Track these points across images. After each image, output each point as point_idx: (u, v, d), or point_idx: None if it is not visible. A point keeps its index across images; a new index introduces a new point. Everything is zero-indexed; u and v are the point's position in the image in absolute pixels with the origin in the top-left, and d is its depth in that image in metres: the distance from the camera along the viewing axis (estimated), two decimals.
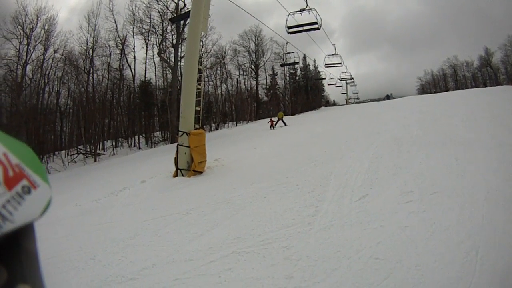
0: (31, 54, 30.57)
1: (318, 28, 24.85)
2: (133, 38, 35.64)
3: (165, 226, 5.94)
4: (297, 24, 25.17)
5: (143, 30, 35.22)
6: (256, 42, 43.98)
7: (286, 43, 36.05)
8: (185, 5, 32.35)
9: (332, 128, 17.56)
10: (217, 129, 38.34)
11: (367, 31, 79.08)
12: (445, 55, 58.32)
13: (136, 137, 34.51)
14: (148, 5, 34.72)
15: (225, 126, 39.82)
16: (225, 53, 42.10)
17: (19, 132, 27.24)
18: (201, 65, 12.07)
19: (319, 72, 47.81)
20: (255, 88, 44.37)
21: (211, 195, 7.55)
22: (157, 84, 36.92)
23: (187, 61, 11.75)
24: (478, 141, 8.70)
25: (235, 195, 7.20)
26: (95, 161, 29.30)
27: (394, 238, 4.21)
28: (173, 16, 31.79)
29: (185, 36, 24.70)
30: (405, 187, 6.02)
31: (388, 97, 51.97)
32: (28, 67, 30.49)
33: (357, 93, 54.79)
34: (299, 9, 24.81)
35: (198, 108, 11.51)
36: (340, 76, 47.62)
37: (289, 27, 25.38)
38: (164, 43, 34.93)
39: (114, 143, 32.99)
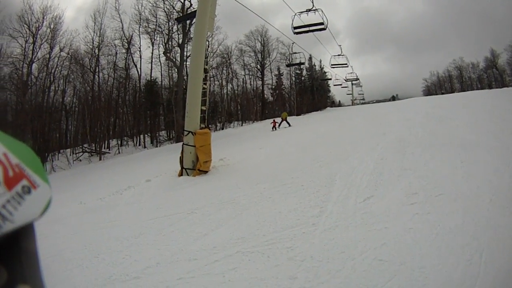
0: (37, 53, 30.73)
1: (324, 29, 24.78)
2: (139, 37, 35.79)
3: (170, 225, 5.95)
4: (303, 24, 25.12)
5: (149, 30, 35.35)
6: (262, 42, 44.02)
7: (292, 43, 35.97)
8: (191, 4, 32.43)
9: (338, 129, 17.53)
10: (222, 128, 38.37)
11: (372, 32, 78.97)
12: (451, 57, 58.12)
13: (142, 136, 34.57)
14: (154, 5, 34.84)
15: (231, 126, 39.83)
16: (231, 53, 42.20)
17: (24, 130, 27.37)
18: (207, 65, 12.07)
19: (325, 72, 47.72)
20: (260, 88, 44.40)
21: (216, 194, 7.56)
22: (162, 83, 37.06)
23: (193, 60, 11.77)
24: (483, 143, 8.64)
25: (240, 195, 7.20)
26: (100, 159, 29.38)
27: (398, 240, 4.20)
28: (179, 16, 31.81)
29: (191, 35, 24.70)
30: (410, 189, 6.00)
31: (393, 98, 51.85)
32: (34, 65, 30.67)
33: (362, 94, 54.70)
34: (305, 10, 24.75)
35: (203, 108, 11.52)
36: (346, 77, 47.43)
37: (295, 27, 25.32)
38: (170, 43, 35.03)
39: (119, 142, 33.07)
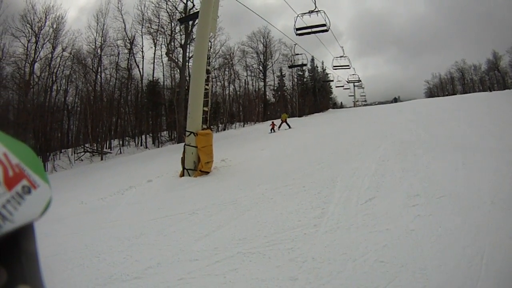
0: (39, 52, 30.76)
1: (326, 30, 24.71)
2: (142, 37, 35.80)
3: (171, 226, 5.96)
4: (305, 25, 25.08)
5: (152, 30, 35.33)
6: (265, 43, 43.98)
7: (295, 44, 35.88)
8: (193, 5, 32.44)
9: (340, 130, 17.51)
10: (224, 129, 38.35)
11: (374, 33, 78.82)
12: (453, 59, 57.79)
13: (143, 137, 34.57)
14: (157, 5, 34.84)
15: (233, 126, 39.83)
16: (233, 54, 42.15)
17: (26, 129, 27.43)
18: (209, 66, 12.09)
19: (327, 74, 47.62)
20: (262, 89, 44.36)
21: (217, 195, 7.57)
22: (165, 84, 37.03)
23: (195, 61, 11.79)
24: (485, 145, 8.65)
25: (241, 196, 7.21)
26: (101, 159, 29.38)
27: (400, 242, 4.20)
28: (181, 17, 31.79)
29: (194, 36, 24.79)
30: (411, 190, 6.00)
31: (395, 100, 51.85)
32: (36, 65, 30.67)
33: (364, 96, 54.61)
34: (307, 11, 24.71)
35: (205, 109, 11.55)
36: (348, 79, 47.35)
37: (297, 29, 25.26)
38: (172, 43, 35.00)
39: (121, 142, 33.07)
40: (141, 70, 35.80)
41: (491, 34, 54.95)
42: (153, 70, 36.25)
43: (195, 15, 20.02)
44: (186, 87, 28.07)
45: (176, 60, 34.57)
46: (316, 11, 24.23)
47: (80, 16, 65.36)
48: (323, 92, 48.20)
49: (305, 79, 47.01)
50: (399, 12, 72.45)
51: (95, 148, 31.14)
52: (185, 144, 11.18)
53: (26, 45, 30.07)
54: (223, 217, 6.01)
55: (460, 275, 3.39)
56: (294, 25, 25.18)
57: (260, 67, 43.98)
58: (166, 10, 34.79)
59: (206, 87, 11.68)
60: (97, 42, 33.83)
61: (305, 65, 39.79)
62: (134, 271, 4.32)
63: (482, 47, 53.95)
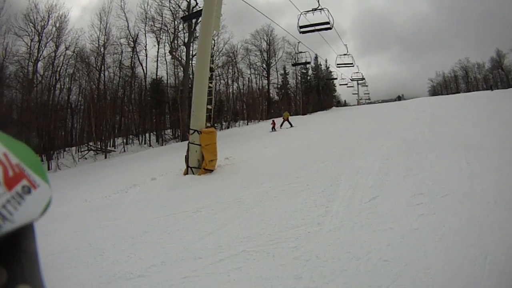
0: (43, 51, 31.03)
1: (330, 28, 24.67)
2: (145, 36, 36.02)
3: (175, 224, 5.98)
4: (309, 23, 25.03)
5: (155, 28, 35.46)
6: (268, 41, 44.00)
7: (298, 42, 35.81)
8: (197, 3, 32.35)
9: (343, 128, 17.50)
10: (228, 127, 38.39)
11: (377, 32, 78.52)
12: (457, 57, 57.63)
13: (147, 135, 34.71)
14: (160, 4, 34.93)
15: (236, 125, 39.84)
16: (236, 52, 42.23)
17: (30, 128, 27.55)
18: (212, 64, 12.08)
19: (331, 72, 47.45)
20: (266, 87, 44.40)
21: (221, 193, 7.58)
22: (168, 82, 37.19)
23: (199, 59, 11.78)
24: (489, 144, 8.62)
25: (245, 194, 7.22)
26: (105, 157, 29.48)
27: (403, 241, 4.19)
28: (185, 15, 31.79)
29: (197, 34, 24.71)
30: (415, 189, 5.99)
31: (399, 98, 51.61)
32: (39, 64, 30.99)
33: (368, 94, 54.40)
34: (311, 9, 24.66)
35: (209, 107, 11.54)
36: (351, 76, 47.19)
37: (301, 27, 25.21)
38: (176, 42, 35.06)
39: (124, 140, 33.19)
40: (144, 68, 36.01)
41: (495, 32, 54.69)
42: (157, 68, 36.45)
43: (199, 13, 20.01)
44: (190, 85, 28.01)
45: (180, 58, 34.63)
46: (320, 9, 24.20)
47: (83, 15, 65.77)
48: (327, 90, 48.05)
49: (308, 77, 46.93)
50: (401, 11, 72.15)
51: (99, 146, 31.27)
52: (189, 142, 11.18)
53: (29, 44, 30.36)
54: (227, 215, 6.02)
55: (464, 274, 3.39)
56: (298, 23, 25.16)
57: (264, 65, 44.05)
58: (169, 8, 34.92)
59: (210, 85, 11.67)
60: (100, 41, 34.10)
61: (309, 63, 39.72)
62: (138, 269, 4.34)
63: (486, 45, 53.77)
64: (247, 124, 39.49)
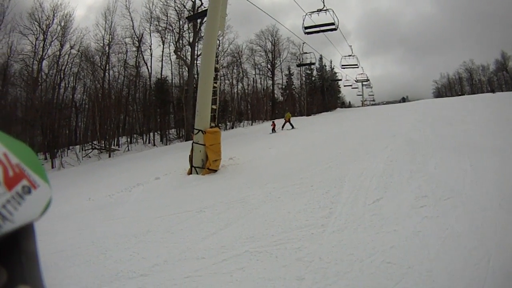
0: (47, 50, 31.17)
1: (335, 29, 24.67)
2: (150, 35, 36.08)
3: (178, 223, 5.99)
4: (314, 24, 25.02)
5: (160, 28, 35.54)
6: (273, 41, 44.00)
7: (303, 43, 35.94)
8: (202, 3, 32.34)
9: (348, 130, 17.48)
10: (232, 127, 38.43)
11: (382, 33, 77.98)
12: (461, 59, 57.26)
13: (151, 134, 34.80)
14: (165, 3, 35.04)
15: (241, 125, 39.88)
16: (241, 52, 42.27)
17: (34, 126, 27.71)
18: (217, 64, 12.09)
19: (335, 73, 47.47)
20: (271, 87, 44.40)
21: (225, 193, 7.59)
22: (173, 81, 37.23)
23: (204, 59, 11.81)
24: (493, 147, 8.57)
25: (249, 194, 7.23)
26: (109, 156, 29.61)
27: (407, 243, 4.19)
28: (190, 15, 31.83)
29: (202, 34, 24.78)
30: (419, 192, 5.97)
31: (403, 100, 51.49)
32: (44, 62, 31.11)
33: (372, 95, 54.20)
34: (316, 10, 24.64)
35: (214, 107, 11.57)
36: (356, 78, 47.15)
37: (306, 28, 25.21)
38: (181, 41, 35.13)
39: (129, 139, 33.30)
40: (149, 68, 36.12)
41: (500, 34, 54.33)
42: (161, 68, 36.58)
43: (204, 13, 20.02)
44: (195, 85, 28.11)
45: (185, 58, 34.70)
46: (325, 10, 24.19)
47: (88, 14, 65.77)
48: (331, 91, 48.07)
49: (313, 78, 46.94)
50: (405, 12, 71.81)
51: (103, 145, 31.37)
52: (193, 142, 11.21)
53: (34, 42, 30.54)
54: (231, 216, 6.02)
55: (467, 277, 3.38)
56: (303, 23, 25.19)
57: (269, 66, 44.07)
58: (175, 8, 35.03)
59: (215, 85, 11.69)
60: (105, 40, 34.22)
61: (314, 64, 39.85)
62: (140, 268, 4.34)
63: (491, 47, 53.43)
64: (252, 125, 39.52)
